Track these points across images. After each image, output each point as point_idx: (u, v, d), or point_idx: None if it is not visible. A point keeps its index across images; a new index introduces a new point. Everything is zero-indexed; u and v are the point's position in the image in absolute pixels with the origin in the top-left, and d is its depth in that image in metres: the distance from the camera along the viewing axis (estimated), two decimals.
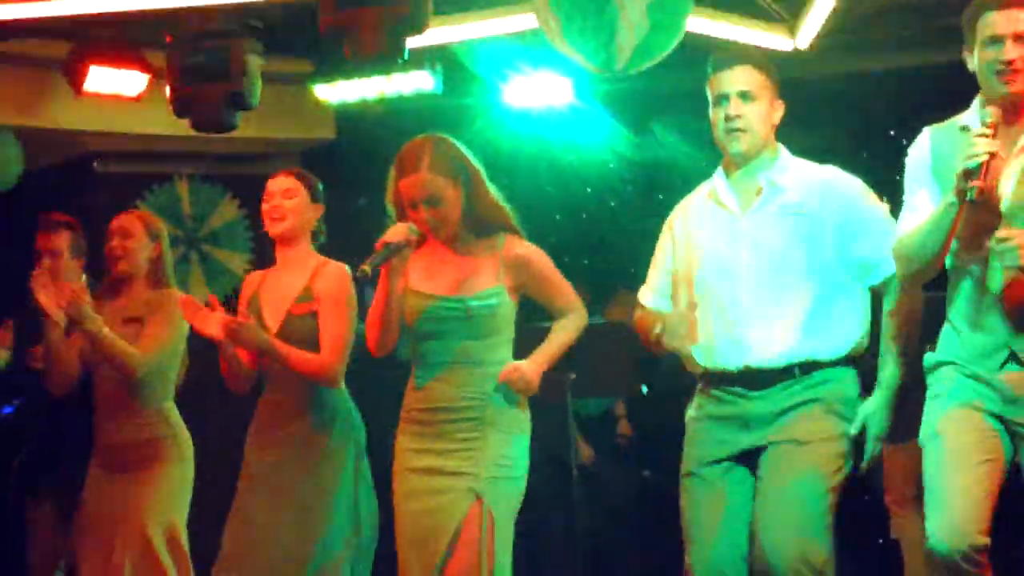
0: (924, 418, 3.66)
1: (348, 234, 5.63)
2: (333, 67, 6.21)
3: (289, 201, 4.46)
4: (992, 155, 3.41)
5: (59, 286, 4.74)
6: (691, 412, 3.94)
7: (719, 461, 3.82)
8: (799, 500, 3.68)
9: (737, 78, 3.86)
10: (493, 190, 4.05)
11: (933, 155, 3.65)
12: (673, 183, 7.89)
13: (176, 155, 7.29)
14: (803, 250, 3.76)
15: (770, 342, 3.74)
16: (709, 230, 3.87)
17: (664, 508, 6.50)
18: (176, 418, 4.89)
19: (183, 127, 5.72)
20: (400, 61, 5.47)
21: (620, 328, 5.58)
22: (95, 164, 7.17)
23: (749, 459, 3.79)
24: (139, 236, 4.91)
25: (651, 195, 7.67)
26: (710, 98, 3.93)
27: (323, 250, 4.62)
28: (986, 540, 3.43)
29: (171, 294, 4.88)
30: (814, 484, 3.69)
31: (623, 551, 6.92)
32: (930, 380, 3.68)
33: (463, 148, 4.03)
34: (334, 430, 4.39)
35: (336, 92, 6.36)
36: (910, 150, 3.73)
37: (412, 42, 5.43)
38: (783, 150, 3.94)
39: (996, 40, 3.57)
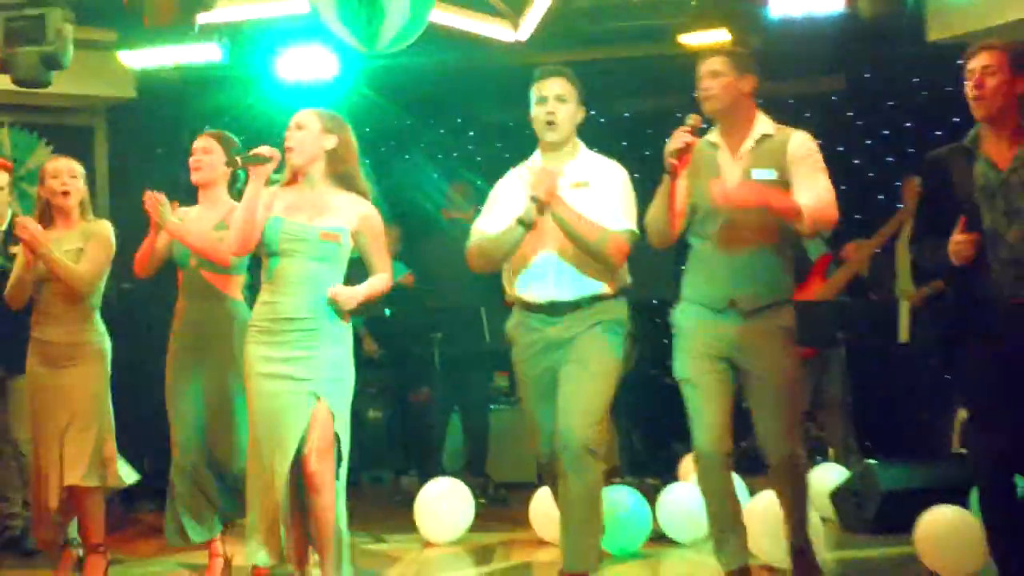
0: (674, 360, 4.62)
1: (148, 178, 6.31)
2: (135, 36, 6.51)
3: (207, 156, 5.23)
4: (687, 145, 4.36)
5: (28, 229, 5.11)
6: (512, 332, 4.84)
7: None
8: (589, 395, 4.61)
9: (555, 85, 4.71)
10: (362, 167, 4.68)
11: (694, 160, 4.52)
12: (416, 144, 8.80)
13: None
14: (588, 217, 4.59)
15: (565, 283, 4.66)
16: (526, 199, 4.64)
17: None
18: (101, 326, 5.33)
19: (5, 82, 6.02)
20: (191, 33, 6.06)
21: None
22: None
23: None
24: (79, 177, 5.36)
25: (400, 156, 8.58)
26: (533, 99, 4.73)
27: (128, 188, 5.35)
28: (731, 445, 4.56)
29: (103, 224, 5.38)
30: (600, 385, 4.63)
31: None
32: (676, 328, 4.67)
33: (351, 129, 4.68)
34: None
35: (137, 58, 6.72)
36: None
37: (202, 18, 5.97)
38: (580, 144, 4.81)
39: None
